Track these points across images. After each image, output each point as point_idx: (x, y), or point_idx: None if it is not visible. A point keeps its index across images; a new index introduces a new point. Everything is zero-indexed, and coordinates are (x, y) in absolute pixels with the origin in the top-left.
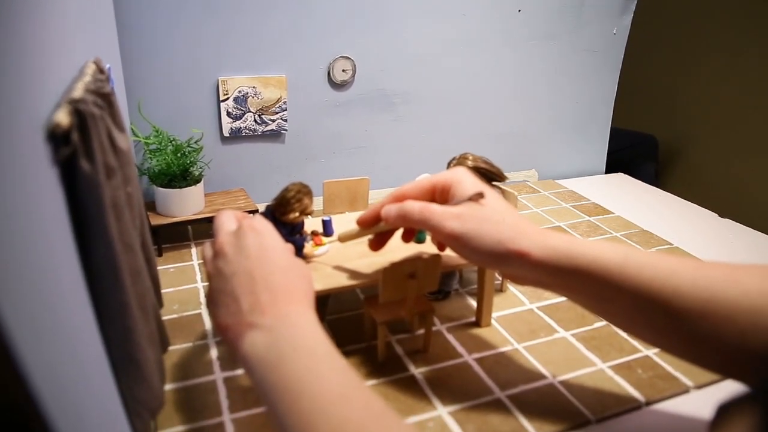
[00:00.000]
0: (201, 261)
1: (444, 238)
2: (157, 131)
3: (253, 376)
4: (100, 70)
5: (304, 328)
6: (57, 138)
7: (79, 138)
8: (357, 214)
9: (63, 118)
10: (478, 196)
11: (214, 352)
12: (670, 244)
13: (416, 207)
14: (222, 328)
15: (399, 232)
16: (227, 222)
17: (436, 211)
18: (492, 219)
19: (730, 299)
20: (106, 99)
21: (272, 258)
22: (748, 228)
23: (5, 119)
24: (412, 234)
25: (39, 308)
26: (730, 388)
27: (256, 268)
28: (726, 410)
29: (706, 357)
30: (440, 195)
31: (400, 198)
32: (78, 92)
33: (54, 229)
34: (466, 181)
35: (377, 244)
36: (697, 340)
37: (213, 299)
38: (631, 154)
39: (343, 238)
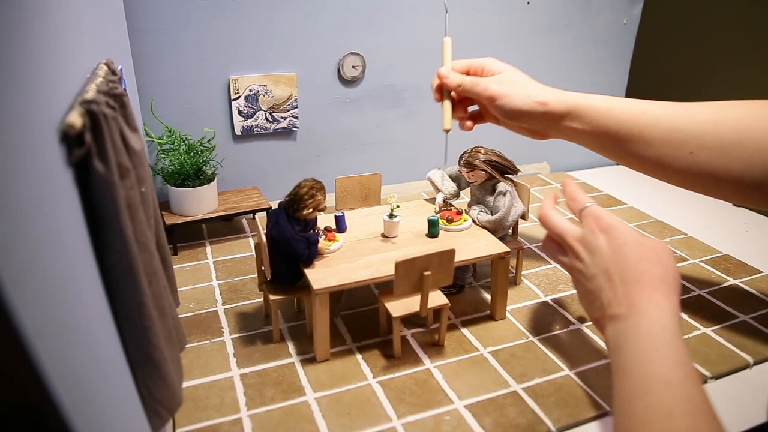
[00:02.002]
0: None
1: (486, 99)
2: (169, 131)
3: (610, 360)
4: (112, 71)
5: (650, 316)
6: (70, 139)
7: (92, 139)
8: (370, 210)
9: (76, 119)
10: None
11: (230, 349)
12: (685, 234)
13: (468, 78)
14: (594, 321)
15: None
16: (559, 222)
17: (481, 78)
18: (521, 82)
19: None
20: (119, 100)
21: (624, 254)
22: (762, 216)
23: (21, 121)
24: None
25: (56, 309)
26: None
27: (612, 266)
28: None
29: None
30: (474, 73)
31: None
32: (90, 93)
33: (70, 231)
34: (496, 62)
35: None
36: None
37: (583, 298)
38: None
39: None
